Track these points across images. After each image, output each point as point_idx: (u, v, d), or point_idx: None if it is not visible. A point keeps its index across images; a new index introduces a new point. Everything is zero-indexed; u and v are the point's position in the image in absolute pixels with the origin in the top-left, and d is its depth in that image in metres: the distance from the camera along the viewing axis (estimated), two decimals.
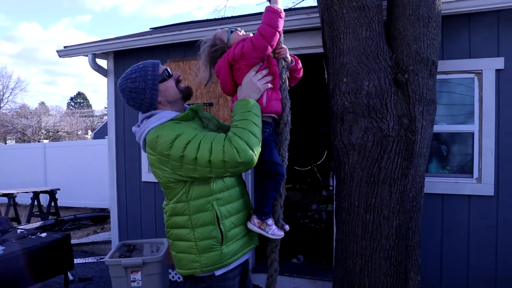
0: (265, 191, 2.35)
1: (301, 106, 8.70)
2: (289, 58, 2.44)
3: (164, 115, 2.16)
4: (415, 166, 3.36)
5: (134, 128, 2.27)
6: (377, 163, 3.22)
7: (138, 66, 2.21)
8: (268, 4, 2.33)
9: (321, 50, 3.73)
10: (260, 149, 2.05)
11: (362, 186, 3.28)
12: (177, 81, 2.30)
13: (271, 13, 2.22)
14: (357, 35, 3.32)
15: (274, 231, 2.36)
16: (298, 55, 5.06)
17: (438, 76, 3.95)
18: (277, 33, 2.23)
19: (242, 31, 2.40)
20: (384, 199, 3.27)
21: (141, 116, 2.26)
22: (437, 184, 4.28)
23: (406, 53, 3.40)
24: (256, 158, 2.00)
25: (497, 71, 4.11)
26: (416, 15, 3.42)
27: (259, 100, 2.28)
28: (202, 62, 2.43)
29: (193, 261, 2.15)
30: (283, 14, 2.25)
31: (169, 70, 2.27)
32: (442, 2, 3.71)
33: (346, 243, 3.44)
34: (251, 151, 1.96)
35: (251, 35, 2.31)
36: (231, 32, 2.39)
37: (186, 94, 2.32)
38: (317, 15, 3.89)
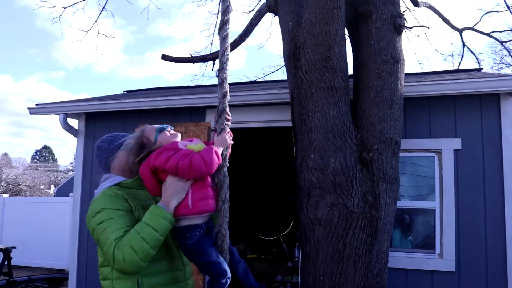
0: None
1: (269, 175, 8.82)
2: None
3: (115, 178, 2.34)
4: (379, 242, 3.43)
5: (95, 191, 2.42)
6: (342, 239, 3.28)
7: (119, 134, 2.43)
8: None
9: (290, 124, 3.87)
10: (134, 254, 1.99)
11: (327, 261, 3.30)
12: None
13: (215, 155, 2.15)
14: (325, 113, 3.48)
15: None
16: (268, 128, 5.23)
17: (401, 154, 4.13)
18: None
19: (172, 131, 2.33)
20: (349, 275, 3.29)
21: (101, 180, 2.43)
22: (401, 259, 4.34)
23: (371, 132, 3.57)
24: (125, 261, 1.99)
25: (455, 151, 4.33)
26: (380, 98, 3.64)
27: (183, 202, 2.14)
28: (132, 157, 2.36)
29: None
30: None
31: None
32: (404, 86, 3.96)
33: None
34: (120, 256, 1.99)
35: (179, 136, 2.31)
36: (160, 131, 2.30)
37: (136, 170, 2.32)
38: (287, 90, 4.07)
